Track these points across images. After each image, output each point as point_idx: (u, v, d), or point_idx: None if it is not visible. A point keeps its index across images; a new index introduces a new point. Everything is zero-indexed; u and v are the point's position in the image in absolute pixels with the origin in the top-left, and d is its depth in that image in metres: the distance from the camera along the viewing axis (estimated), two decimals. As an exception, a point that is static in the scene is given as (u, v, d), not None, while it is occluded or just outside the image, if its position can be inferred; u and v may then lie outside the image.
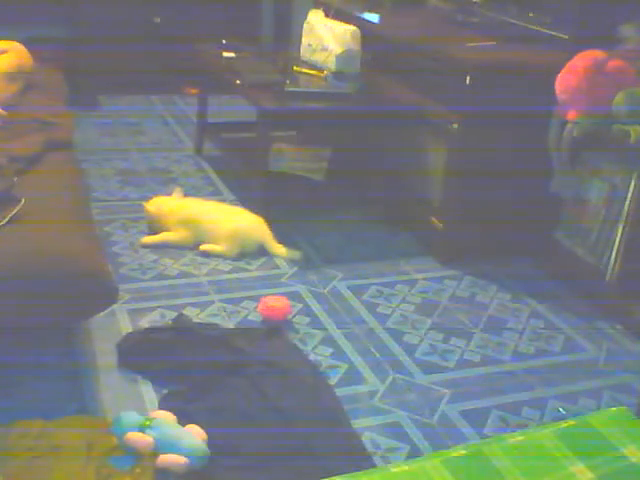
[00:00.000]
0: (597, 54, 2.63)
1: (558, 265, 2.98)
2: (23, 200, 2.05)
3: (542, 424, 2.10)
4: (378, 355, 2.41)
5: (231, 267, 2.89)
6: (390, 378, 2.30)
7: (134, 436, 1.81)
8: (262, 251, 2.98)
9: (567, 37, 2.89)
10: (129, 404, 2.05)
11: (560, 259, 2.96)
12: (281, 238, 3.03)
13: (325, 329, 2.53)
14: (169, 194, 3.16)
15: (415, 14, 3.93)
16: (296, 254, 2.96)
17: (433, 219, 3.06)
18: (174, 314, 2.50)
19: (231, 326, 2.49)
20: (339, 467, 1.72)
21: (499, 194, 2.94)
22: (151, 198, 3.12)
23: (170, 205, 3.05)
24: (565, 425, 1.51)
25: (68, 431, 1.86)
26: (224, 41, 3.85)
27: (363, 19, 3.62)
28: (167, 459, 1.79)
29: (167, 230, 3.00)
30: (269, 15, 5.27)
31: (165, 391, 2.13)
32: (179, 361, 2.23)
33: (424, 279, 2.92)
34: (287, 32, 4.98)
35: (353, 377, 2.29)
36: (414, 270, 2.98)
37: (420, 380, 2.31)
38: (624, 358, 2.53)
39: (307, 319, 2.58)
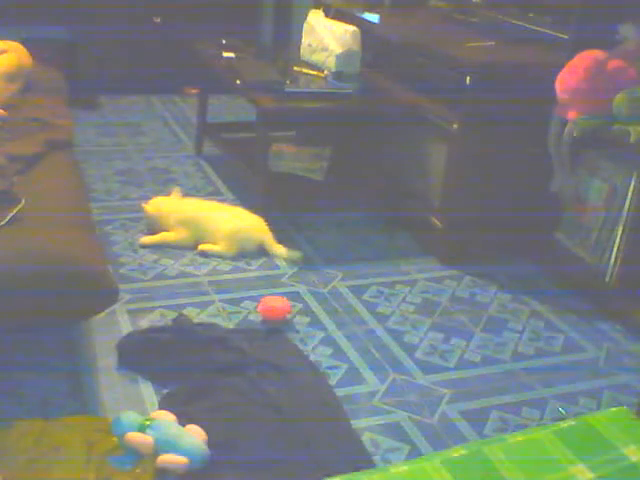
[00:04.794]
0: (597, 54, 2.64)
1: (558, 265, 2.98)
2: (23, 200, 2.05)
3: (542, 424, 2.10)
4: (378, 355, 2.41)
5: (231, 267, 2.89)
6: (390, 378, 2.30)
7: (134, 436, 1.81)
8: (262, 251, 2.99)
9: (567, 37, 2.89)
10: (129, 404, 2.05)
11: (560, 259, 2.96)
12: (281, 238, 3.03)
13: (325, 329, 2.53)
14: (168, 194, 3.16)
15: (415, 14, 3.93)
16: (296, 254, 2.96)
17: (433, 219, 3.07)
18: (174, 314, 2.50)
19: (231, 326, 2.49)
20: (339, 467, 1.73)
21: (499, 194, 2.94)
22: (151, 198, 3.12)
23: (169, 205, 3.05)
24: (565, 425, 1.52)
25: (68, 431, 1.86)
26: (224, 41, 3.85)
27: (363, 19, 3.62)
28: (167, 459, 1.79)
29: (166, 230, 3.00)
30: (269, 15, 5.27)
31: (165, 391, 2.13)
32: (179, 361, 2.23)
33: (424, 279, 2.92)
34: (287, 32, 4.98)
35: (353, 377, 2.29)
36: (414, 270, 2.98)
37: (420, 380, 2.31)
38: (624, 358, 2.53)
39: (307, 319, 2.58)
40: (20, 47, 3.00)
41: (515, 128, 2.86)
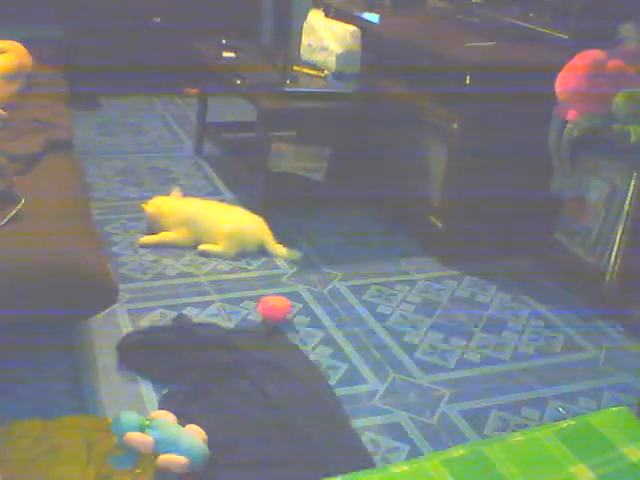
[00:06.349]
0: (597, 54, 2.63)
1: (558, 265, 2.98)
2: (23, 200, 2.05)
3: (542, 424, 2.10)
4: (378, 355, 2.41)
5: (231, 267, 2.88)
6: (390, 378, 2.30)
7: (134, 436, 1.80)
8: (262, 251, 2.98)
9: (567, 37, 2.89)
10: (129, 404, 2.05)
11: (560, 259, 2.96)
12: (281, 238, 3.03)
13: (325, 329, 2.53)
14: (168, 194, 3.16)
15: (415, 14, 3.93)
16: (296, 254, 2.96)
17: (433, 219, 3.07)
18: (174, 314, 2.50)
19: (231, 326, 2.49)
20: (339, 467, 1.73)
21: (499, 194, 2.94)
22: (151, 198, 3.12)
23: (169, 205, 3.05)
24: (565, 425, 1.51)
25: (68, 431, 1.86)
26: (224, 41, 3.85)
27: (363, 19, 3.62)
28: (167, 459, 1.79)
29: (166, 230, 3.00)
30: (269, 15, 5.27)
31: (165, 391, 2.13)
32: (179, 361, 2.23)
33: (424, 279, 2.92)
34: (287, 32, 4.98)
35: (353, 377, 2.29)
36: (414, 270, 2.98)
37: (420, 380, 2.31)
38: (624, 358, 2.53)
39: (307, 319, 2.58)
40: (21, 47, 3.00)
41: (515, 128, 2.86)
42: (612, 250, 2.71)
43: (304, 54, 3.56)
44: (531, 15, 3.26)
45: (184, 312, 2.52)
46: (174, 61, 4.69)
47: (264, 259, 2.96)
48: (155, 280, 2.74)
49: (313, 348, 2.42)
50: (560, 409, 2.22)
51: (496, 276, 2.98)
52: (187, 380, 2.14)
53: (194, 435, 1.86)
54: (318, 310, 2.64)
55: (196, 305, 2.59)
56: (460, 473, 1.36)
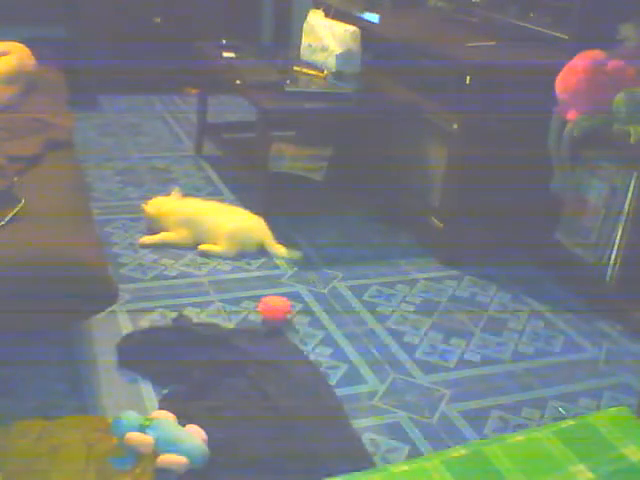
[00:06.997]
0: (597, 54, 2.64)
1: (558, 265, 2.98)
2: (23, 200, 2.05)
3: (542, 424, 2.10)
4: (378, 355, 2.41)
5: (231, 267, 2.89)
6: (390, 378, 2.30)
7: (134, 436, 1.80)
8: (262, 251, 2.98)
9: (567, 37, 2.89)
10: (129, 404, 2.05)
11: (560, 259, 2.96)
12: (281, 238, 3.03)
13: (325, 329, 2.53)
14: (168, 194, 3.16)
15: (415, 14, 3.93)
16: (296, 254, 2.96)
17: (433, 219, 3.07)
18: (174, 314, 2.50)
19: (231, 326, 2.49)
20: (339, 467, 1.73)
21: (499, 194, 2.94)
22: (151, 198, 3.12)
23: (169, 205, 3.05)
24: (565, 425, 1.52)
25: (68, 431, 1.86)
26: (224, 41, 3.85)
27: (363, 19, 3.62)
28: (167, 459, 1.79)
29: (166, 230, 3.00)
30: (269, 15, 5.27)
31: (165, 391, 2.13)
32: (179, 361, 2.23)
33: (424, 279, 2.92)
34: (287, 32, 4.98)
35: (353, 377, 2.29)
36: (414, 270, 2.98)
37: (420, 380, 2.31)
38: (624, 358, 2.53)
39: (307, 319, 2.58)
40: (23, 48, 2.98)
41: (515, 128, 2.86)
42: (612, 250, 2.71)
43: (304, 54, 3.55)
44: (531, 15, 3.26)
45: (184, 312, 2.52)
46: (174, 61, 4.70)
47: (264, 259, 2.96)
48: (155, 280, 2.74)
49: (313, 348, 2.42)
50: (560, 409, 2.22)
51: (496, 276, 2.98)
52: (187, 380, 2.14)
53: (194, 435, 1.86)
54: (318, 310, 2.64)
55: (196, 305, 2.59)
56: (460, 473, 1.36)
